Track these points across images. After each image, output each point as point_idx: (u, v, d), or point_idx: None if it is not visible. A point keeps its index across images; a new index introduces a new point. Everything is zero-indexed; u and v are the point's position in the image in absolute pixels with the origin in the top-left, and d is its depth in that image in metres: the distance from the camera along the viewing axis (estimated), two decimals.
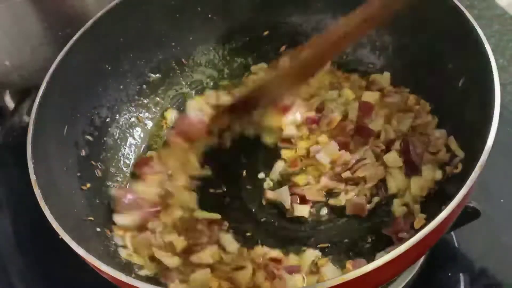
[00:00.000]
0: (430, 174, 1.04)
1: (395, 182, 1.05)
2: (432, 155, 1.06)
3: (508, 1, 1.58)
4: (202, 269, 0.97)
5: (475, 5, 1.55)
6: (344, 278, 0.70)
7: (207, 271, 0.97)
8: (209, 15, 1.30)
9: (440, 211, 0.75)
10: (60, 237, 0.83)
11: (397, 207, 1.03)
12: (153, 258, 1.01)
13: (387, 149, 1.09)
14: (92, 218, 1.01)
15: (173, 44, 1.31)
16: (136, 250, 1.03)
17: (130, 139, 1.24)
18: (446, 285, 1.04)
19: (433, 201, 1.02)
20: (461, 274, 1.05)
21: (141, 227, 1.05)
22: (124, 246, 1.03)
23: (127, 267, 0.96)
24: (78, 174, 1.07)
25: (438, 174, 1.03)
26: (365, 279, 0.72)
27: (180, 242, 1.02)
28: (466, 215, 0.98)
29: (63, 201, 0.97)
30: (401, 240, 0.97)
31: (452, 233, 1.10)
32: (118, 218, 1.05)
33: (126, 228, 1.05)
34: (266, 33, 1.33)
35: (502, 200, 1.13)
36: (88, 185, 1.07)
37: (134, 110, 1.27)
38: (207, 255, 0.99)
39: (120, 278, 0.77)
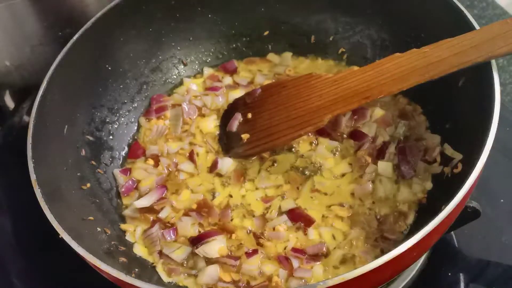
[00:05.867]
0: (420, 187, 1.04)
1: (384, 189, 1.05)
2: (426, 163, 1.06)
3: (508, 1, 1.58)
4: (212, 265, 0.99)
5: (475, 5, 1.55)
6: (344, 278, 0.71)
7: (215, 266, 0.98)
8: (209, 15, 1.30)
9: (440, 211, 0.75)
10: (60, 236, 0.83)
11: (380, 208, 1.03)
12: (161, 253, 1.03)
13: (381, 152, 1.10)
14: (92, 218, 1.01)
15: (173, 44, 1.31)
16: (146, 245, 1.05)
17: (130, 139, 1.24)
18: (446, 285, 1.04)
19: (431, 202, 1.02)
20: (461, 274, 1.05)
21: (153, 217, 1.09)
22: (135, 243, 1.06)
23: (127, 267, 0.96)
24: (78, 174, 1.07)
25: (429, 185, 1.04)
26: (365, 279, 0.72)
27: (191, 230, 1.04)
28: (466, 215, 0.98)
29: (63, 200, 0.97)
30: (387, 240, 0.99)
31: (452, 233, 1.10)
32: (137, 202, 1.09)
33: (141, 214, 1.09)
34: (266, 33, 1.33)
35: (502, 200, 1.13)
36: (88, 185, 1.08)
37: (134, 110, 1.27)
38: (213, 249, 1.00)
39: (120, 278, 0.77)
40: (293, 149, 1.15)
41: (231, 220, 1.06)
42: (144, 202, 1.09)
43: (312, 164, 1.12)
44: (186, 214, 1.08)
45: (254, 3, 1.29)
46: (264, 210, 1.07)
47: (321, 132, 1.14)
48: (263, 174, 1.12)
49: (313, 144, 1.14)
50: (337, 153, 1.13)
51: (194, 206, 1.08)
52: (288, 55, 1.33)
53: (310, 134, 1.14)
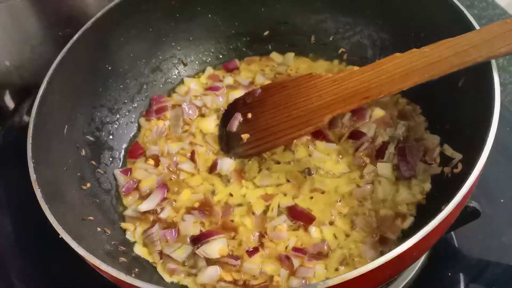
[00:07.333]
0: (419, 188, 1.04)
1: (383, 190, 1.05)
2: (426, 164, 1.06)
3: (508, 1, 1.58)
4: (212, 266, 0.99)
5: (475, 5, 1.55)
6: (344, 278, 0.71)
7: (215, 268, 0.99)
8: (209, 15, 1.30)
9: (440, 211, 0.75)
10: (60, 236, 0.83)
11: (379, 209, 1.03)
12: (162, 253, 1.03)
13: (380, 153, 1.10)
14: (92, 218, 1.01)
15: (173, 44, 1.31)
16: (146, 245, 1.05)
17: (130, 139, 1.24)
18: (446, 285, 1.04)
19: (431, 202, 1.02)
20: (461, 274, 1.05)
21: (153, 217, 1.09)
22: (134, 242, 1.06)
23: (127, 267, 0.96)
24: (78, 174, 1.07)
25: (427, 187, 1.04)
26: (365, 279, 0.72)
27: (193, 229, 1.04)
28: (466, 215, 0.98)
29: (63, 200, 0.97)
30: (387, 240, 0.99)
31: (452, 233, 1.10)
32: (141, 206, 1.09)
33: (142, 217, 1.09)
34: (266, 33, 1.33)
35: (502, 200, 1.13)
36: (88, 185, 1.08)
37: (134, 110, 1.27)
38: (214, 249, 1.00)
39: (120, 278, 0.77)
40: (292, 151, 1.14)
41: (232, 219, 1.06)
42: (148, 205, 1.09)
43: (311, 168, 1.11)
44: (187, 212, 1.08)
45: (254, 3, 1.29)
46: (264, 209, 1.07)
47: (317, 135, 1.14)
48: (264, 172, 1.12)
49: (310, 148, 1.14)
50: (335, 155, 1.12)
51: (197, 205, 1.08)
52: (290, 55, 1.33)
53: (307, 138, 1.15)
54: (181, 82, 1.33)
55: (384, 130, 1.13)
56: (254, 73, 1.31)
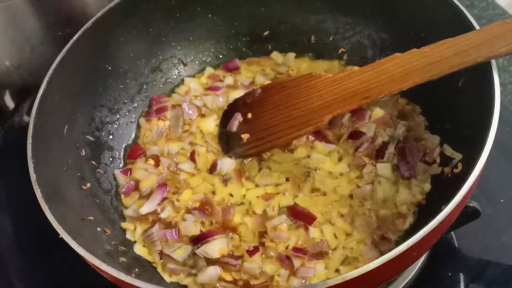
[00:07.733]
0: (419, 188, 1.04)
1: (383, 190, 1.05)
2: (426, 164, 1.06)
3: (508, 1, 1.59)
4: (212, 266, 0.99)
5: (475, 5, 1.55)
6: (344, 278, 0.71)
7: (215, 268, 0.99)
8: (209, 15, 1.30)
9: (440, 211, 0.75)
10: (60, 236, 0.83)
11: (379, 209, 1.03)
12: (162, 253, 1.03)
13: (380, 153, 1.09)
14: (92, 218, 1.01)
15: (173, 44, 1.31)
16: (146, 245, 1.05)
17: (130, 139, 1.24)
18: (446, 285, 1.04)
19: (431, 202, 1.02)
20: (461, 274, 1.05)
21: (153, 217, 1.09)
22: (134, 242, 1.06)
23: (127, 267, 0.96)
24: (78, 174, 1.07)
25: (427, 187, 1.04)
26: (365, 279, 0.72)
27: (194, 229, 1.04)
28: (466, 215, 0.98)
29: (63, 200, 0.97)
30: (387, 240, 0.99)
31: (452, 233, 1.10)
32: (142, 209, 1.09)
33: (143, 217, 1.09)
34: (266, 33, 1.33)
35: (502, 200, 1.13)
36: (88, 185, 1.08)
37: (134, 110, 1.27)
38: (214, 249, 1.00)
39: (120, 278, 0.77)
40: (291, 151, 1.14)
41: (233, 218, 1.06)
42: (148, 207, 1.09)
43: (310, 169, 1.11)
44: (188, 212, 1.08)
45: (254, 3, 1.29)
46: (265, 208, 1.07)
47: (317, 135, 1.14)
48: (264, 172, 1.12)
49: (310, 148, 1.14)
50: (334, 155, 1.12)
51: (197, 205, 1.08)
52: (291, 55, 1.33)
53: (306, 138, 1.14)
54: (181, 82, 1.33)
55: (384, 130, 1.13)
56: (254, 73, 1.31)
